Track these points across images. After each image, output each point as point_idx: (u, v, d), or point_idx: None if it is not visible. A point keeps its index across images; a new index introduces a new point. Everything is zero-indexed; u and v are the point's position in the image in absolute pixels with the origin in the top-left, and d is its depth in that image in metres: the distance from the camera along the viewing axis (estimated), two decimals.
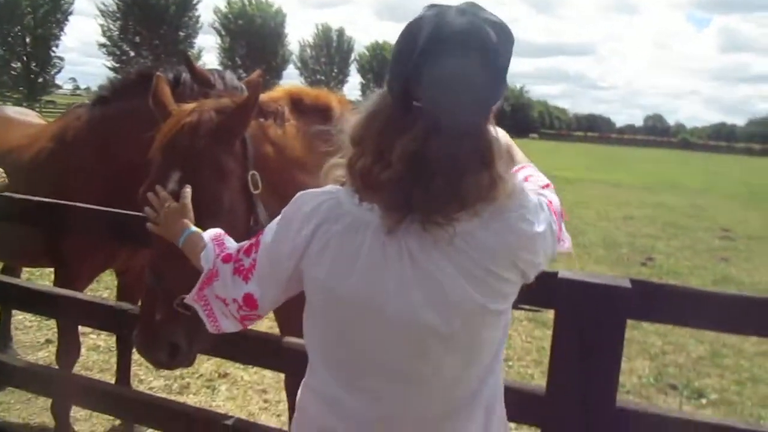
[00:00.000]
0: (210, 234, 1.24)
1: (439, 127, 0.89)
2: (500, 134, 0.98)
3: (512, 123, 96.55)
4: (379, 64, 78.73)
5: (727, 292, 1.27)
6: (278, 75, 61.57)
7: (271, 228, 1.09)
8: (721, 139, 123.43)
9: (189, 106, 1.51)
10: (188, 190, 1.34)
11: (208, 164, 1.43)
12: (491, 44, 0.90)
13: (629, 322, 4.38)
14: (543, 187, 1.16)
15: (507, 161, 0.99)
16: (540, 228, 0.97)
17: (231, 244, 1.21)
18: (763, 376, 4.01)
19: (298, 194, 1.06)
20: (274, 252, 1.06)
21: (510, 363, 4.07)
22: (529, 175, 1.23)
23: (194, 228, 1.27)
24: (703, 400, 3.65)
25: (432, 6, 0.95)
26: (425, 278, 0.92)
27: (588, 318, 1.23)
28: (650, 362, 4.16)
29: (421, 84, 0.89)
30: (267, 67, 54.18)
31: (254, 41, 59.49)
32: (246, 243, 1.15)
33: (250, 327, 1.23)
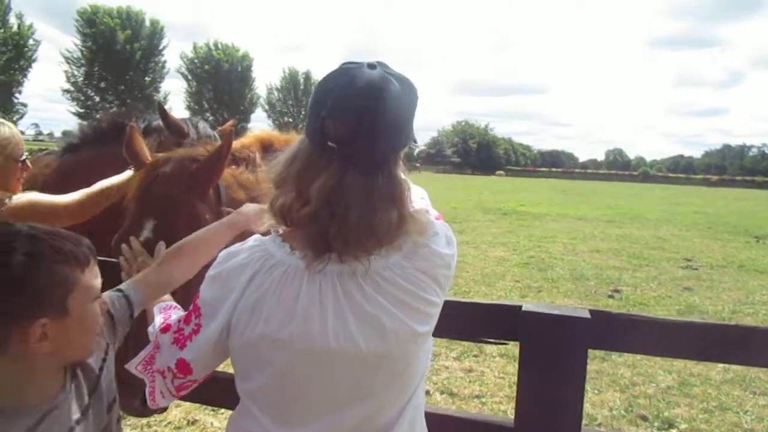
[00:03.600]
0: (160, 306, 1.26)
1: (352, 165, 0.98)
2: (407, 179, 1.07)
3: (478, 160, 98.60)
4: None
5: (683, 320, 1.35)
6: (246, 118, 61.99)
7: (205, 289, 1.07)
8: (679, 171, 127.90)
9: (163, 155, 1.56)
10: (162, 247, 1.37)
11: (183, 212, 1.47)
12: (395, 94, 1.00)
13: (600, 354, 4.46)
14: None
15: (413, 199, 1.09)
16: (452, 249, 1.09)
17: (176, 314, 1.22)
18: (730, 404, 4.11)
19: (224, 252, 1.08)
20: (211, 310, 1.05)
21: (483, 399, 4.09)
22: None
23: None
24: (673, 431, 3.72)
25: (347, 62, 1.06)
26: (363, 314, 0.98)
27: (550, 349, 1.29)
28: (621, 394, 4.23)
29: (334, 127, 0.98)
30: (234, 110, 54.46)
31: (221, 85, 60.02)
32: (185, 313, 1.15)
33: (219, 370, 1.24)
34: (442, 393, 4.20)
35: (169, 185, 1.46)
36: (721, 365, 4.88)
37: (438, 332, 1.66)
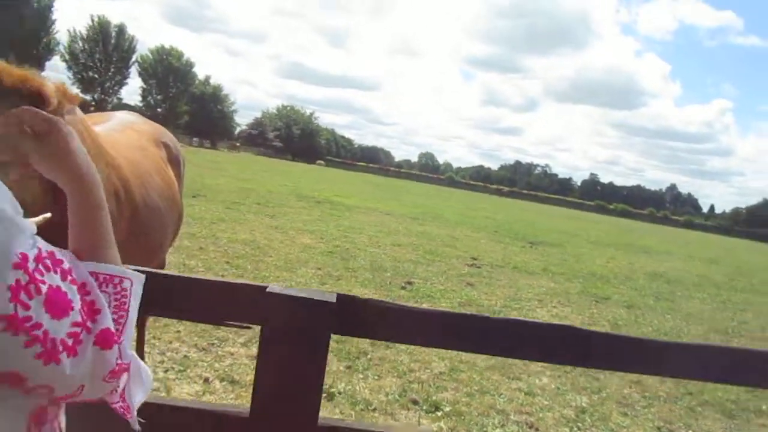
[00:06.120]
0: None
1: None
2: None
3: (300, 148, 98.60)
4: (164, 70, 73.96)
5: (429, 309, 1.35)
6: (40, 65, 53.79)
7: None
8: (479, 179, 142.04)
9: None
10: None
11: None
12: None
13: (384, 342, 4.52)
14: None
15: None
16: None
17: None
18: (489, 388, 4.54)
19: None
20: None
21: None
22: None
23: None
24: (439, 413, 3.98)
25: None
26: None
27: (292, 332, 1.19)
28: (398, 379, 4.42)
29: None
30: (25, 54, 46.95)
31: (7, 19, 51.15)
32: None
33: None
34: (222, 380, 3.98)
35: None
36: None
37: (179, 314, 1.47)
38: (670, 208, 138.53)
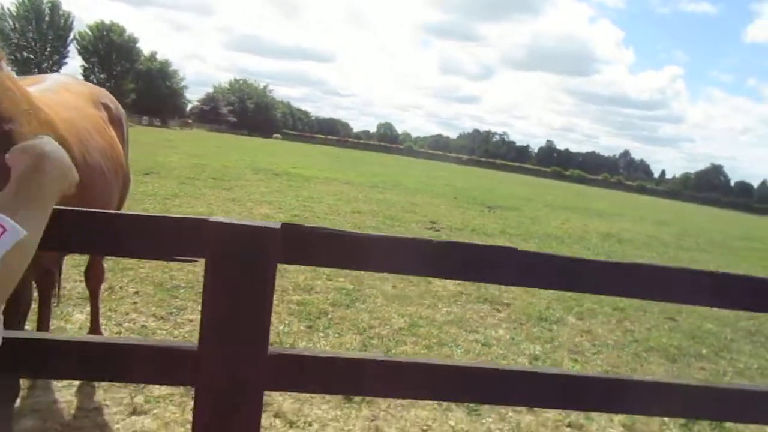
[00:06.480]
0: None
1: None
2: None
3: (256, 122, 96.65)
4: (106, 47, 70.56)
5: (373, 234, 1.36)
6: None
7: None
8: (438, 148, 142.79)
9: None
10: None
11: None
12: None
13: (345, 302, 4.62)
14: None
15: None
16: None
17: None
18: (447, 341, 4.66)
19: None
20: None
21: None
22: None
23: None
24: None
25: None
26: None
27: (238, 263, 1.20)
28: (359, 336, 4.49)
29: None
30: None
31: None
32: None
33: None
34: None
35: None
36: (445, 309, 5.54)
37: (125, 253, 1.46)
38: (623, 173, 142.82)
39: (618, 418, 3.61)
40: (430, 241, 1.33)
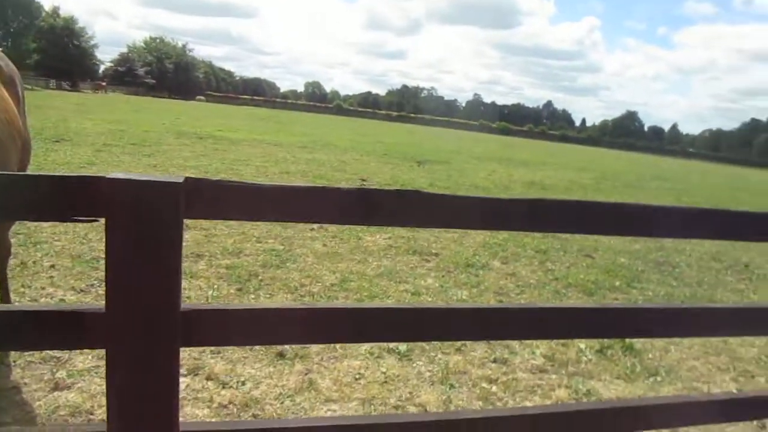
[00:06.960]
0: None
1: None
2: None
3: (176, 83, 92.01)
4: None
5: (282, 184, 1.36)
6: None
7: None
8: (368, 106, 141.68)
9: None
10: None
11: None
12: None
13: (274, 263, 4.57)
14: None
15: None
16: None
17: None
18: (378, 293, 4.76)
19: None
20: None
21: None
22: None
23: None
24: None
25: None
26: None
27: (141, 219, 1.17)
28: (290, 295, 4.50)
29: None
30: None
31: None
32: None
33: None
34: None
35: None
36: (375, 263, 5.64)
37: (21, 216, 1.39)
38: (547, 123, 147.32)
39: (540, 350, 3.85)
40: (338, 189, 1.35)
